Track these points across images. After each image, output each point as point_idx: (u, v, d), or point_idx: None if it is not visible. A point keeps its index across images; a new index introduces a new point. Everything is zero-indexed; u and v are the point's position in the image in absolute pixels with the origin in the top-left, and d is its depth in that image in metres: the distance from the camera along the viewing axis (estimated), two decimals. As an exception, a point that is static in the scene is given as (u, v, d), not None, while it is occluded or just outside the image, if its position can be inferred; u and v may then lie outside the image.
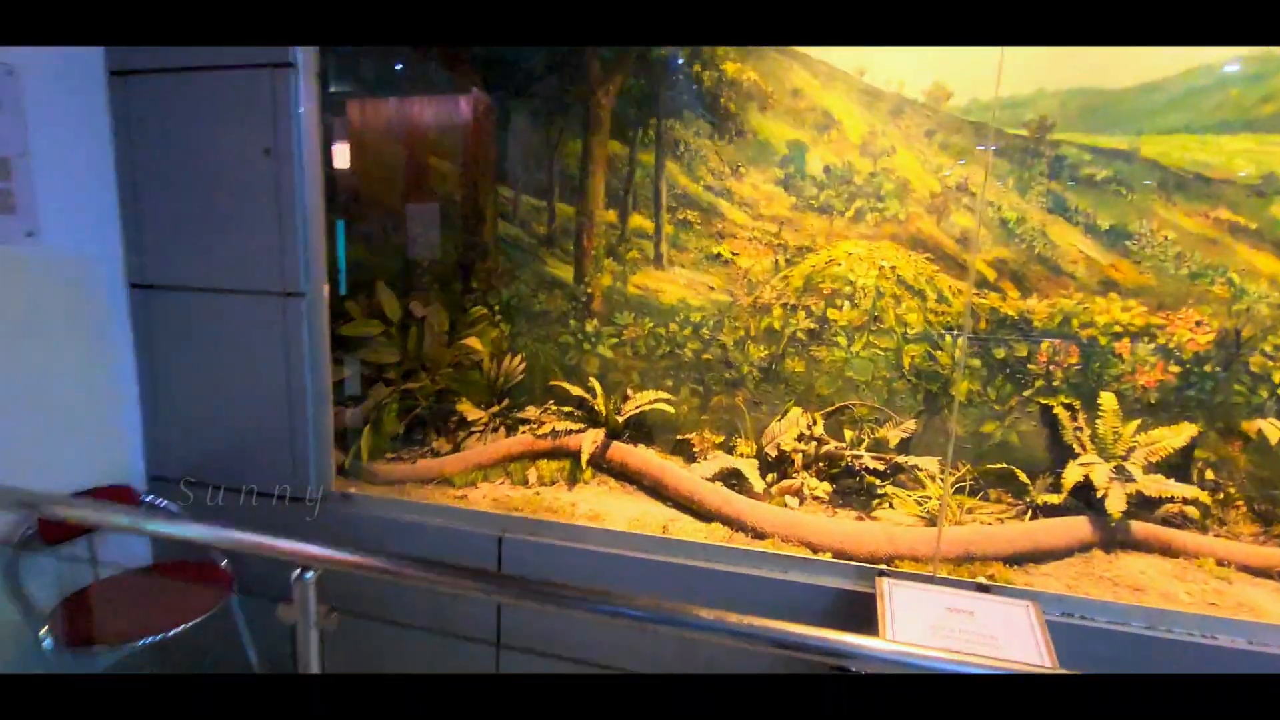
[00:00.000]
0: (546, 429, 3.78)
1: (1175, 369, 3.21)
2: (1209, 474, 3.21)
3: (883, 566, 2.61)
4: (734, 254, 3.70)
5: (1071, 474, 3.00)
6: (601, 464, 3.68)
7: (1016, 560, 2.75)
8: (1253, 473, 3.18)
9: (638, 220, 3.84)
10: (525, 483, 3.60)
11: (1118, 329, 3.25)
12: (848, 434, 3.52)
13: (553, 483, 3.60)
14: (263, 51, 2.97)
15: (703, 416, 3.86)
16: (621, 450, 3.60)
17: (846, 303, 3.56)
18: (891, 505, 3.25)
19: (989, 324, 3.40)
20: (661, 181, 3.76)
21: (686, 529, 3.12)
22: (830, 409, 3.67)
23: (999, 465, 3.37)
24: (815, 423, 3.54)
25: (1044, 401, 3.38)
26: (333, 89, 3.61)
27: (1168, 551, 2.89)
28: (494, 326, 4.13)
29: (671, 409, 3.79)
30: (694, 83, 3.63)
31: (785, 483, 3.43)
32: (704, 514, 3.19)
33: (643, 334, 3.92)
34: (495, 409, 4.05)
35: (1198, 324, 3.16)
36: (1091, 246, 3.23)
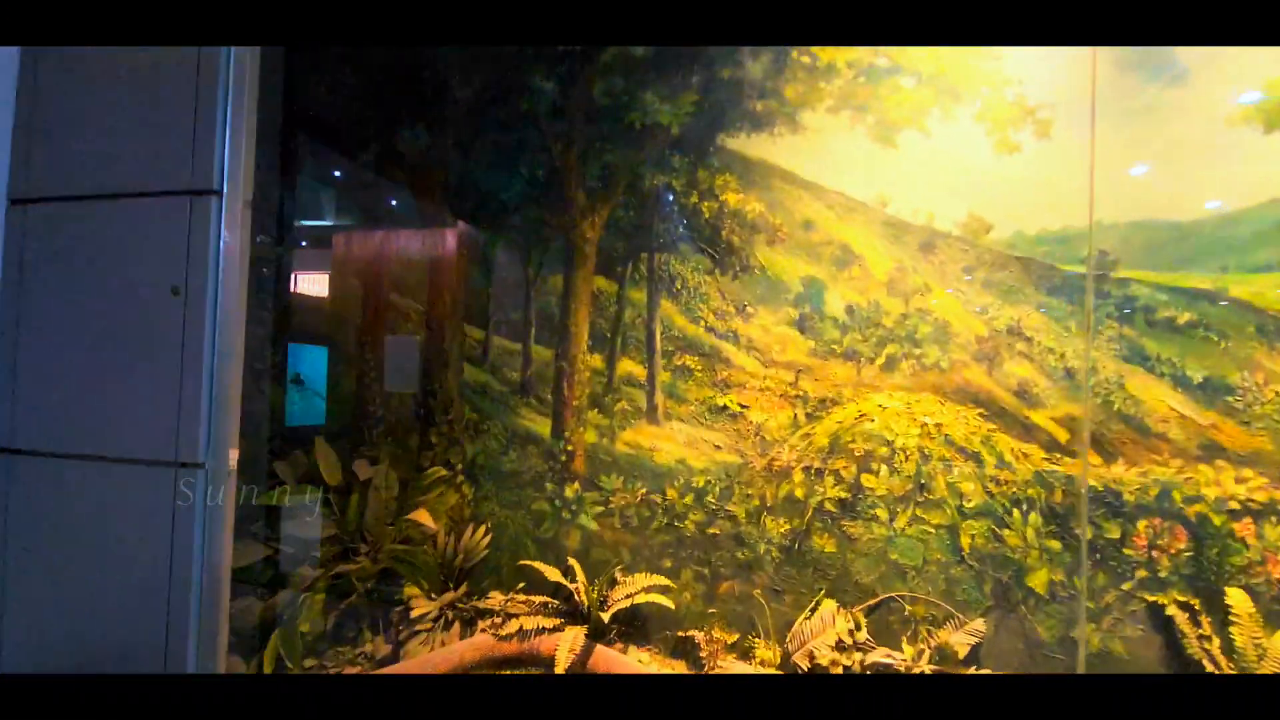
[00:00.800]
0: (513, 627, 2.96)
1: (1318, 558, 2.51)
2: (1391, 704, 2.40)
3: None
4: (743, 406, 3.09)
5: (1218, 713, 2.20)
6: (581, 677, 2.82)
7: None
8: None
9: (628, 366, 3.26)
10: (479, 708, 2.73)
11: (1234, 505, 2.58)
12: (904, 645, 2.72)
13: (516, 707, 2.73)
14: (183, 176, 2.52)
15: (709, 609, 3.06)
16: (605, 661, 2.78)
17: (884, 467, 2.90)
18: None
19: (1066, 496, 2.73)
20: (655, 322, 3.23)
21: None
22: (872, 601, 2.89)
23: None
24: (859, 626, 2.75)
25: (1152, 599, 2.64)
26: (275, 216, 3.16)
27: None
28: (454, 490, 3.42)
29: (669, 600, 3.00)
30: (691, 214, 3.20)
31: (823, 712, 2.58)
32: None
33: (634, 501, 3.21)
34: (450, 596, 3.24)
35: (1337, 500, 2.50)
36: (1184, 402, 2.64)
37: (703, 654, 2.94)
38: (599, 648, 2.85)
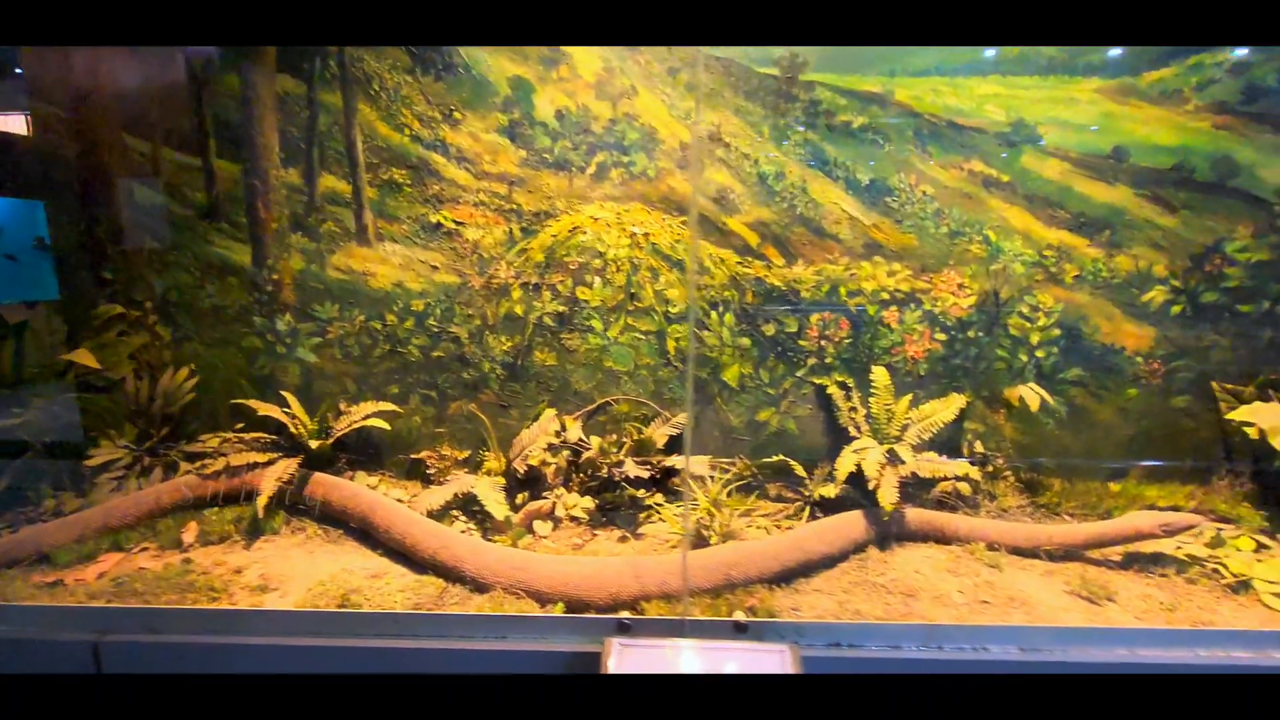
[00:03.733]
0: (219, 465, 2.79)
1: (941, 336, 2.97)
2: (979, 446, 3.03)
3: (624, 615, 2.03)
4: (458, 223, 2.93)
5: (844, 462, 2.64)
6: (300, 504, 2.77)
7: (786, 578, 2.33)
8: (1017, 440, 3.04)
9: (330, 182, 2.93)
10: (180, 545, 2.60)
11: (885, 296, 2.94)
12: (594, 439, 2.92)
13: (222, 540, 2.63)
14: None
15: (438, 429, 3.08)
16: (323, 485, 2.72)
17: (597, 279, 2.95)
18: (660, 518, 2.70)
19: (756, 296, 2.96)
20: (355, 130, 2.88)
21: (390, 587, 2.34)
22: (590, 408, 3.06)
23: (776, 458, 2.96)
24: (564, 427, 2.90)
25: (818, 381, 3.02)
26: None
27: (942, 539, 2.63)
28: (143, 330, 3.02)
29: (388, 424, 2.96)
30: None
31: (533, 505, 2.77)
32: (418, 562, 2.43)
33: (353, 330, 3.04)
34: (151, 442, 2.97)
35: (960, 287, 2.93)
36: (854, 205, 2.88)
37: (431, 471, 2.99)
38: (316, 475, 2.78)
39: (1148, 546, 2.51)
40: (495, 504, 2.70)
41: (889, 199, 2.85)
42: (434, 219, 2.93)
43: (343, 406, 3.05)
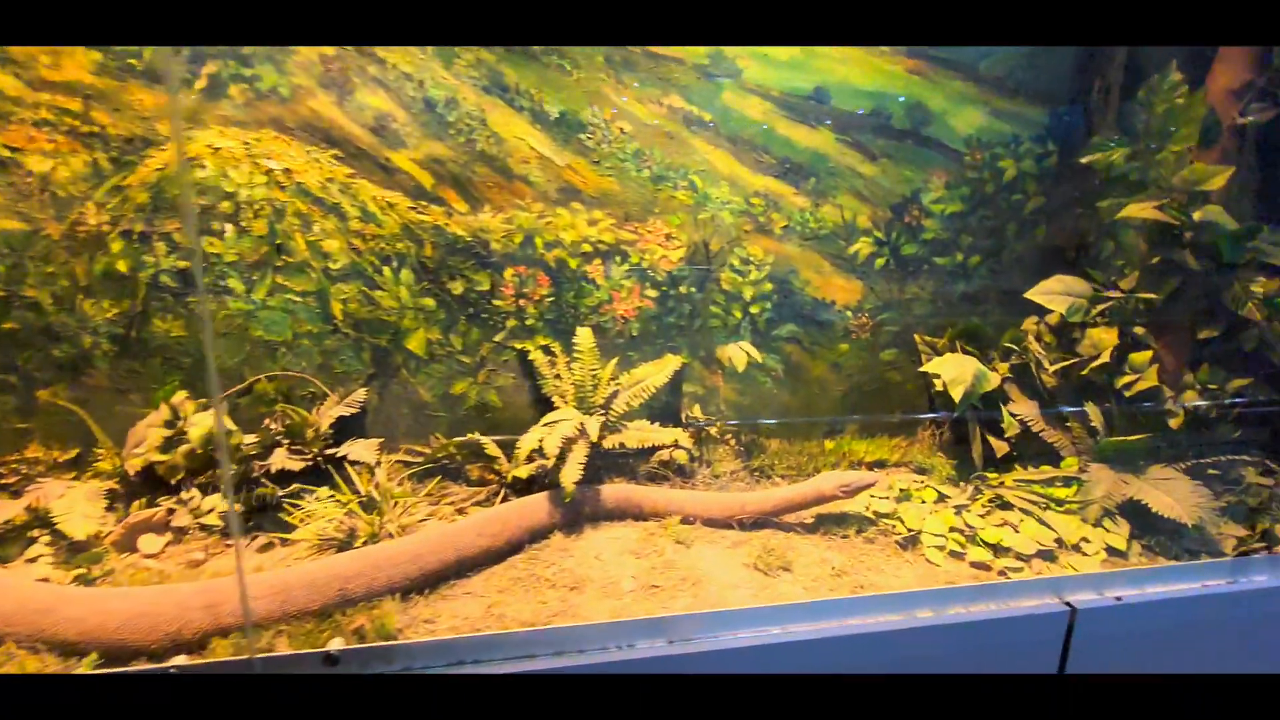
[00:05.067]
0: None
1: (653, 293, 2.72)
2: (697, 411, 2.84)
3: (173, 666, 1.54)
4: (12, 150, 2.18)
5: (528, 439, 2.31)
6: None
7: (430, 583, 1.96)
8: (736, 402, 2.90)
9: None
10: None
11: (587, 248, 2.62)
12: (241, 429, 2.36)
13: None
14: None
15: (22, 424, 2.36)
16: None
17: (230, 226, 2.34)
18: (325, 518, 2.21)
19: (436, 249, 2.51)
20: None
21: None
22: (238, 388, 2.47)
23: (470, 436, 2.57)
24: (177, 415, 2.30)
25: (519, 346, 2.66)
26: None
27: (640, 515, 2.40)
28: None
29: (-61, 422, 2.20)
30: None
31: (139, 515, 2.17)
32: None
33: None
34: None
35: (668, 238, 2.68)
36: (543, 142, 2.50)
37: (10, 481, 2.28)
38: None
39: (838, 507, 2.44)
40: (77, 519, 2.08)
41: (583, 136, 2.50)
42: (-24, 143, 2.15)
43: None
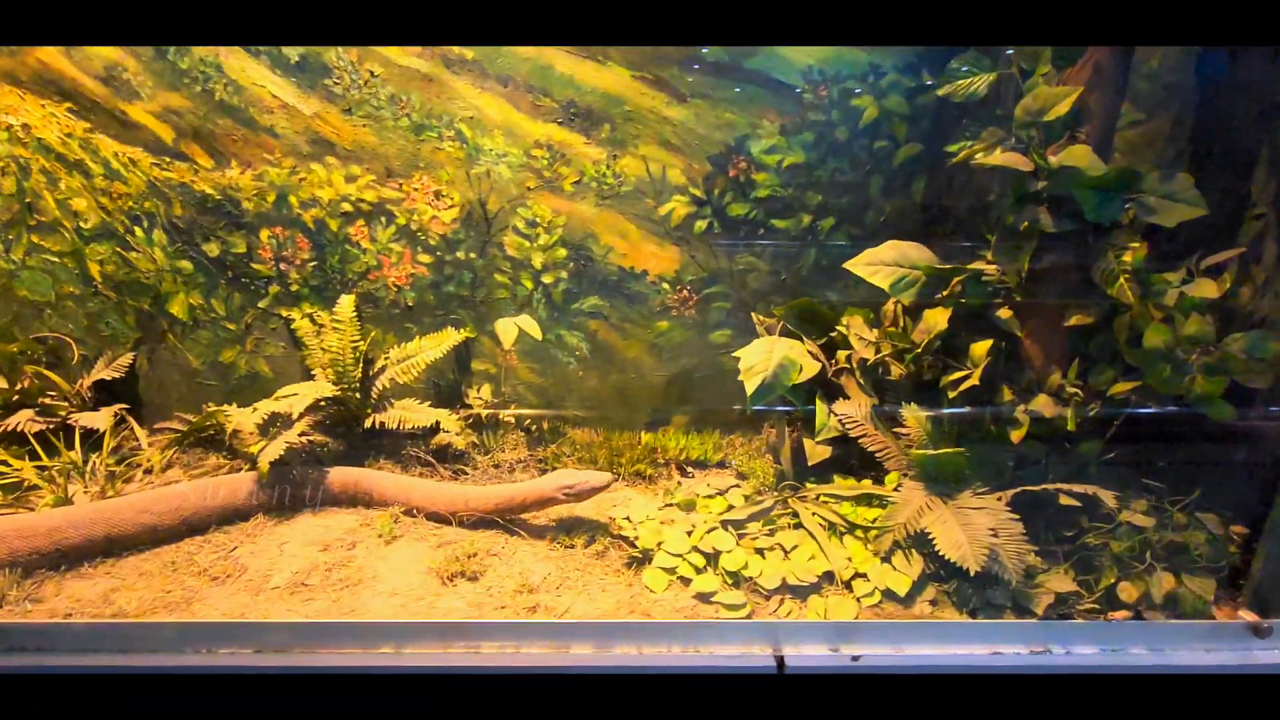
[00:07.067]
0: None
1: (426, 259, 2.43)
2: (486, 391, 2.54)
3: None
4: None
5: (243, 417, 2.12)
6: None
7: (76, 559, 1.83)
8: (536, 385, 2.57)
9: None
10: None
11: (347, 207, 2.37)
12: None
13: None
14: None
15: None
16: None
17: (-20, 185, 2.32)
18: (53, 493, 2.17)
19: (186, 208, 2.37)
20: None
21: None
22: (14, 347, 2.47)
23: (210, 407, 2.41)
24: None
25: (285, 314, 2.48)
26: None
27: (369, 502, 2.16)
28: None
29: None
30: None
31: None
32: None
33: None
34: None
35: (437, 196, 2.38)
36: (286, 88, 2.27)
37: None
38: None
39: (570, 511, 2.07)
40: None
41: (329, 81, 2.25)
42: None
43: None
